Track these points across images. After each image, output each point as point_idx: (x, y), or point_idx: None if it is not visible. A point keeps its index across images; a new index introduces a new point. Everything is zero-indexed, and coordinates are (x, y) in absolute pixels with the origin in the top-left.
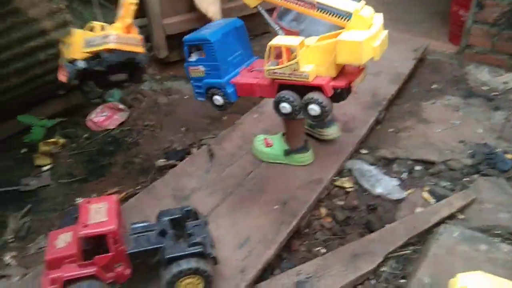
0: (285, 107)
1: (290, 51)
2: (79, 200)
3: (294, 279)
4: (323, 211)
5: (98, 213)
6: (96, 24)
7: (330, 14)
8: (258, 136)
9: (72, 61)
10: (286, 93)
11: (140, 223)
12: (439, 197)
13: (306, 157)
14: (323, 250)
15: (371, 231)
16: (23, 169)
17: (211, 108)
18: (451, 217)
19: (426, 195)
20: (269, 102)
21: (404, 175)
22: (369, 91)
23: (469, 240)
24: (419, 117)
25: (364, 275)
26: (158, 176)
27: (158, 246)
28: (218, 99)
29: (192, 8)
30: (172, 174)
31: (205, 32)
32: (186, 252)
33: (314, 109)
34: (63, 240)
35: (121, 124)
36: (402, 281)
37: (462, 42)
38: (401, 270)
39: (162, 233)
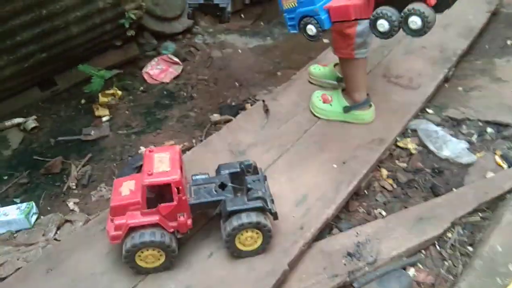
0: (383, 24)
1: None
2: (142, 150)
3: (354, 240)
4: (384, 172)
5: (162, 162)
6: None
7: None
8: (316, 91)
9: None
10: (383, 9)
11: (201, 175)
12: None
13: (368, 114)
14: (384, 213)
15: (437, 195)
16: (84, 119)
17: (265, 63)
18: None
19: (498, 159)
20: (326, 56)
21: (474, 138)
22: (438, 45)
23: None
24: (492, 76)
25: (429, 240)
26: (213, 131)
27: (219, 198)
28: (312, 28)
29: None
30: (228, 129)
31: None
32: (248, 206)
33: (415, 21)
34: (128, 188)
35: (176, 77)
36: (470, 248)
37: None
38: (469, 237)
39: (222, 186)
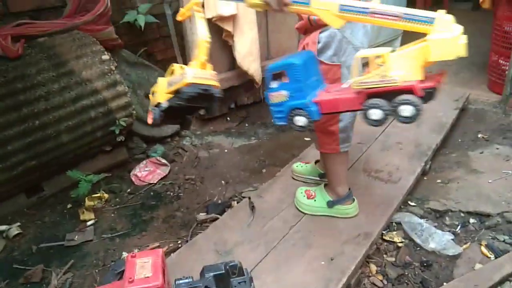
0: (375, 113)
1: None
2: (125, 255)
3: None
4: (374, 268)
5: (144, 268)
6: (176, 65)
7: (414, 22)
8: (299, 188)
9: (157, 105)
10: (374, 100)
11: (184, 279)
12: (498, 252)
13: (351, 208)
14: None
15: None
16: (68, 224)
17: (250, 161)
18: None
19: (484, 250)
20: (308, 153)
21: (458, 229)
22: (413, 141)
23: None
24: (468, 167)
25: None
26: (199, 230)
27: None
28: (301, 119)
29: (232, 66)
30: (213, 227)
31: (287, 59)
32: None
33: (406, 109)
34: None
35: (163, 178)
36: None
37: (505, 90)
38: None
39: None
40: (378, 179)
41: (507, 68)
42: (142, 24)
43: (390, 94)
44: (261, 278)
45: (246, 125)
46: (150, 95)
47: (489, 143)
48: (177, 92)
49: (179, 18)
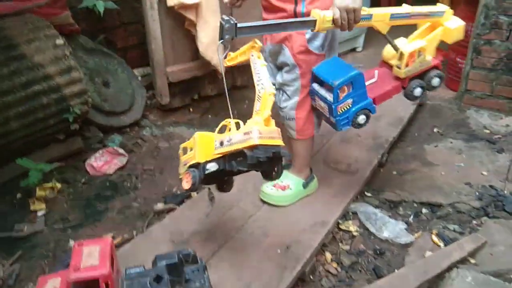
0: (420, 90)
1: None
2: (72, 243)
3: None
4: (329, 256)
5: (91, 256)
6: (231, 122)
7: (434, 16)
8: (263, 186)
9: (197, 165)
10: (416, 81)
11: (135, 268)
12: (448, 241)
13: (316, 182)
14: None
15: (379, 277)
16: (18, 215)
17: None
18: (463, 261)
19: (435, 238)
20: None
21: (411, 218)
22: (371, 134)
23: (484, 285)
24: (422, 160)
25: None
26: (156, 221)
27: None
28: (362, 117)
29: (195, 56)
30: (171, 218)
31: (346, 71)
32: None
33: (438, 80)
34: (53, 286)
35: (120, 168)
36: None
37: (460, 87)
38: None
39: (158, 279)
40: (337, 170)
41: (463, 66)
42: (102, 10)
43: (422, 74)
44: (218, 266)
45: (209, 116)
46: (180, 152)
47: (443, 137)
48: (232, 155)
49: (227, 63)
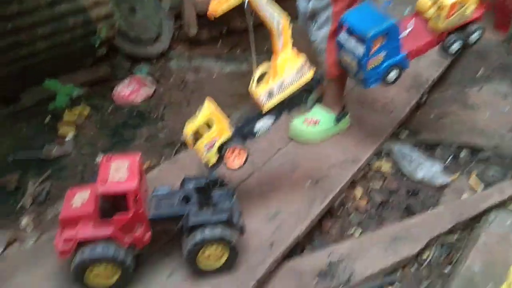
0: (457, 45)
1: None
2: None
3: (327, 259)
4: (358, 193)
5: (119, 171)
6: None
7: None
8: (294, 120)
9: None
10: (454, 35)
11: (163, 188)
12: (487, 185)
13: (347, 119)
14: (358, 233)
15: (412, 215)
16: (47, 138)
17: (239, 86)
18: (502, 205)
19: (473, 181)
20: None
21: (448, 161)
22: (411, 74)
23: None
24: (464, 103)
25: (405, 260)
26: (184, 150)
27: (181, 212)
28: (394, 74)
29: None
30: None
31: (380, 21)
32: (211, 219)
33: (478, 34)
34: (81, 198)
35: (147, 98)
36: (446, 269)
37: (510, 30)
38: (445, 258)
39: (186, 200)
40: (372, 109)
41: None
42: None
43: (461, 28)
44: (244, 196)
45: (238, 51)
46: (189, 138)
47: (488, 81)
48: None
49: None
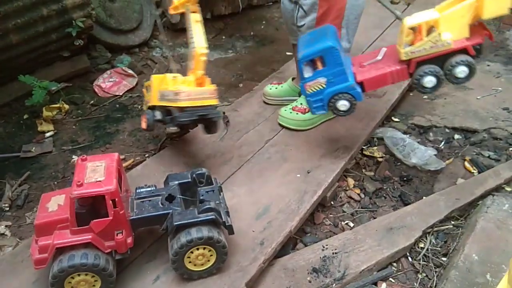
0: (431, 80)
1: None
2: (74, 159)
3: (320, 254)
4: (351, 182)
5: (95, 172)
6: (168, 76)
7: None
8: (282, 109)
9: (152, 108)
10: (428, 67)
11: (146, 187)
12: (483, 168)
13: None
14: (352, 224)
15: (406, 204)
16: (25, 135)
17: (226, 75)
18: (498, 189)
19: (468, 165)
20: (289, 68)
21: (442, 144)
22: None
23: None
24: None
25: (400, 252)
26: (168, 144)
27: (165, 212)
28: (345, 103)
29: None
30: (184, 141)
31: (319, 43)
32: (197, 219)
33: (463, 70)
34: (56, 203)
35: (130, 90)
36: (444, 258)
37: None
38: (442, 247)
39: (170, 198)
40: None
41: None
42: None
43: (441, 58)
44: (233, 190)
45: (223, 37)
46: (144, 90)
47: (479, 60)
48: (169, 111)
49: (171, 11)
